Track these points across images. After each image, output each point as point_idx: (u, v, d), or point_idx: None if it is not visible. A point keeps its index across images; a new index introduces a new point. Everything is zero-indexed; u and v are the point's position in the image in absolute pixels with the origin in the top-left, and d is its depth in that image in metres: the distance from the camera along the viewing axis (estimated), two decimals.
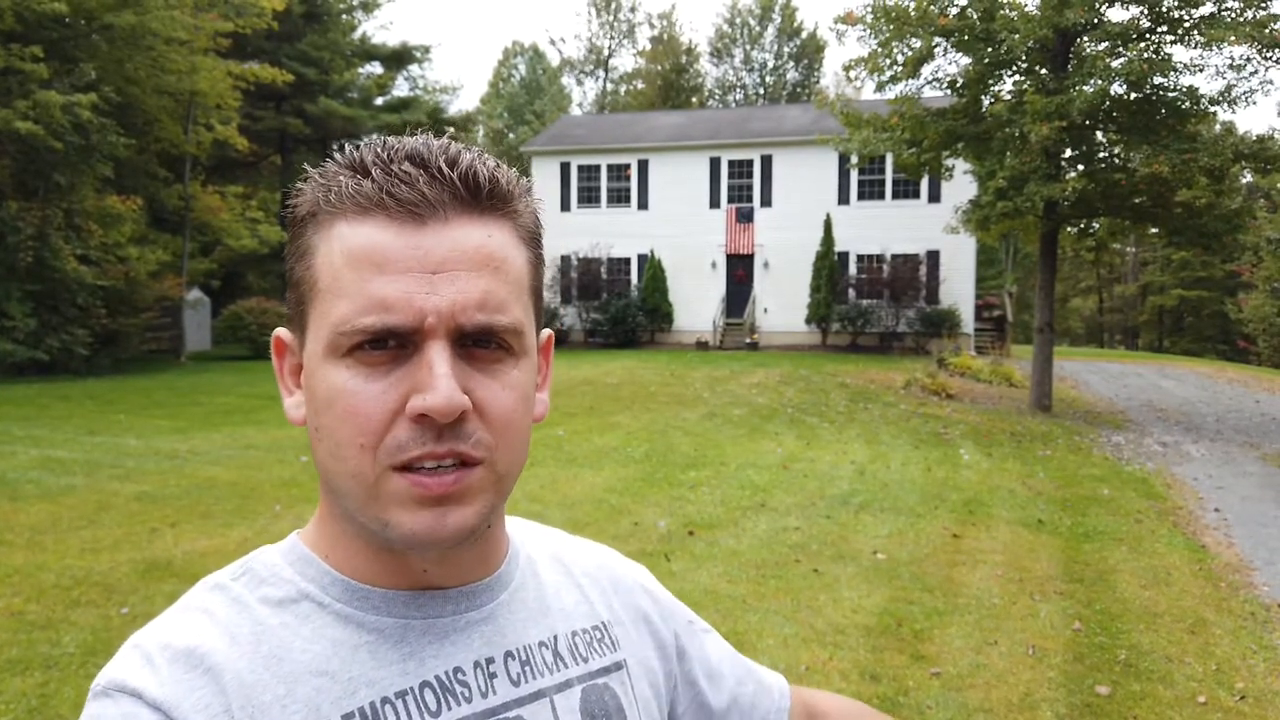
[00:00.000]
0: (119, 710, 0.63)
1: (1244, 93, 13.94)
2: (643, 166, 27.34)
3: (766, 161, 26.46)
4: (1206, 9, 13.84)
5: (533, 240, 0.73)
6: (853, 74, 16.15)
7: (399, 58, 39.17)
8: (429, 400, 0.63)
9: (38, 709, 3.95)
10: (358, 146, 0.70)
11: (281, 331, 0.75)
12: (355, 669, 0.68)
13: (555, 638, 0.79)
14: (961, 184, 20.44)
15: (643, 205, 27.35)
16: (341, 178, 0.68)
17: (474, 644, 0.73)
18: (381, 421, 0.65)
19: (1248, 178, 21.27)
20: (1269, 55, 13.42)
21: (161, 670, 0.64)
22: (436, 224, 0.66)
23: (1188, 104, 14.12)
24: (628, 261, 27.36)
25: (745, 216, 26.57)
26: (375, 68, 38.91)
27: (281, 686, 0.66)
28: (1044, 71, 14.91)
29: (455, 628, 0.73)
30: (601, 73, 56.50)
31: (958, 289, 25.09)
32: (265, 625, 0.69)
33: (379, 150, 0.68)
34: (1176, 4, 13.96)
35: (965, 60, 15.31)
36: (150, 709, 0.63)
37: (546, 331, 0.79)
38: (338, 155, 0.70)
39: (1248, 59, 13.69)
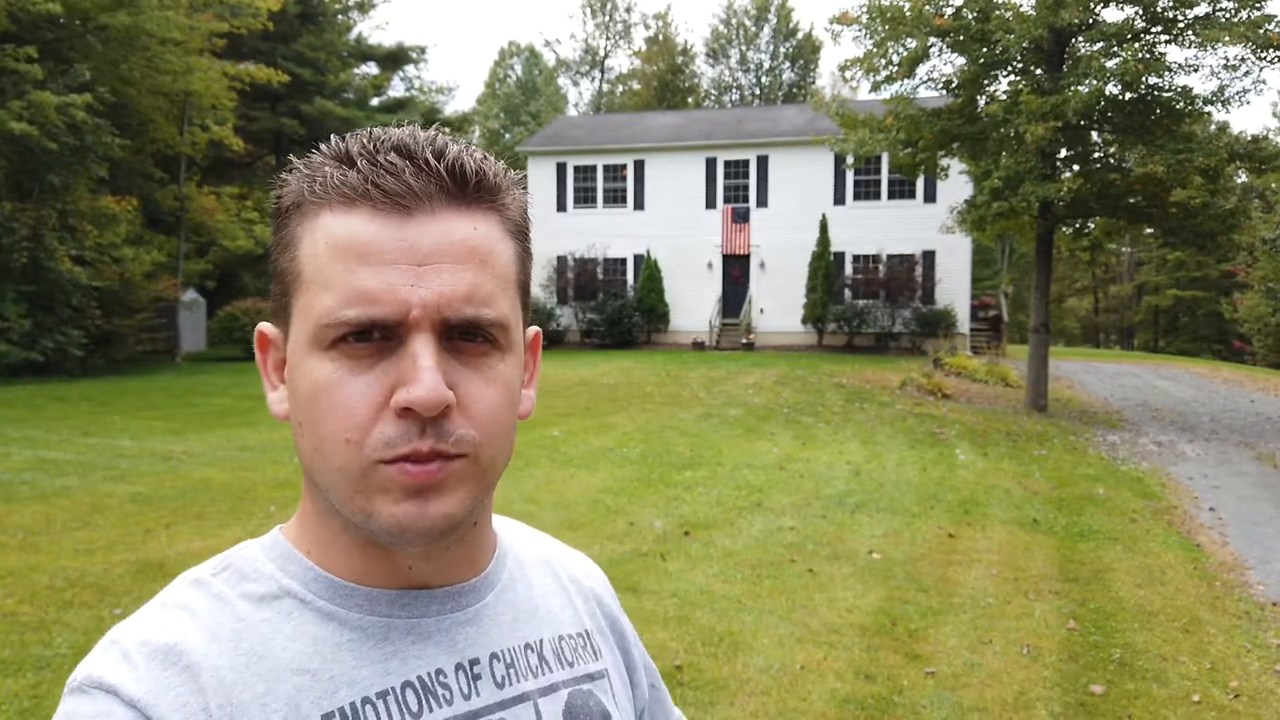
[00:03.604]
0: (95, 707, 0.62)
1: (1238, 92, 13.99)
2: (639, 167, 27.34)
3: (762, 162, 26.48)
4: (1201, 9, 13.89)
5: (520, 233, 0.72)
6: (848, 74, 16.19)
7: (395, 58, 39.15)
8: (413, 394, 0.63)
9: (30, 710, 3.93)
10: (344, 138, 0.69)
11: (265, 326, 0.74)
12: (337, 668, 0.68)
13: (541, 641, 0.79)
14: (957, 184, 20.46)
15: (639, 206, 27.35)
16: (327, 168, 0.67)
17: (458, 645, 0.73)
18: (367, 416, 0.64)
19: (1242, 178, 21.33)
20: (1263, 55, 13.45)
21: (139, 667, 0.63)
22: (422, 216, 0.65)
23: (1182, 104, 14.15)
24: (624, 262, 27.36)
25: (741, 217, 26.59)
26: (371, 68, 38.90)
27: (261, 685, 0.65)
28: (1039, 72, 14.93)
29: (439, 628, 0.72)
30: (597, 73, 56.52)
31: (953, 289, 25.12)
32: (246, 622, 0.68)
33: (365, 141, 0.67)
34: (1171, 4, 14.00)
35: (960, 60, 15.35)
36: (126, 706, 0.62)
37: (534, 329, 0.79)
38: (324, 146, 0.69)
39: (1242, 59, 13.73)
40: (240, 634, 0.67)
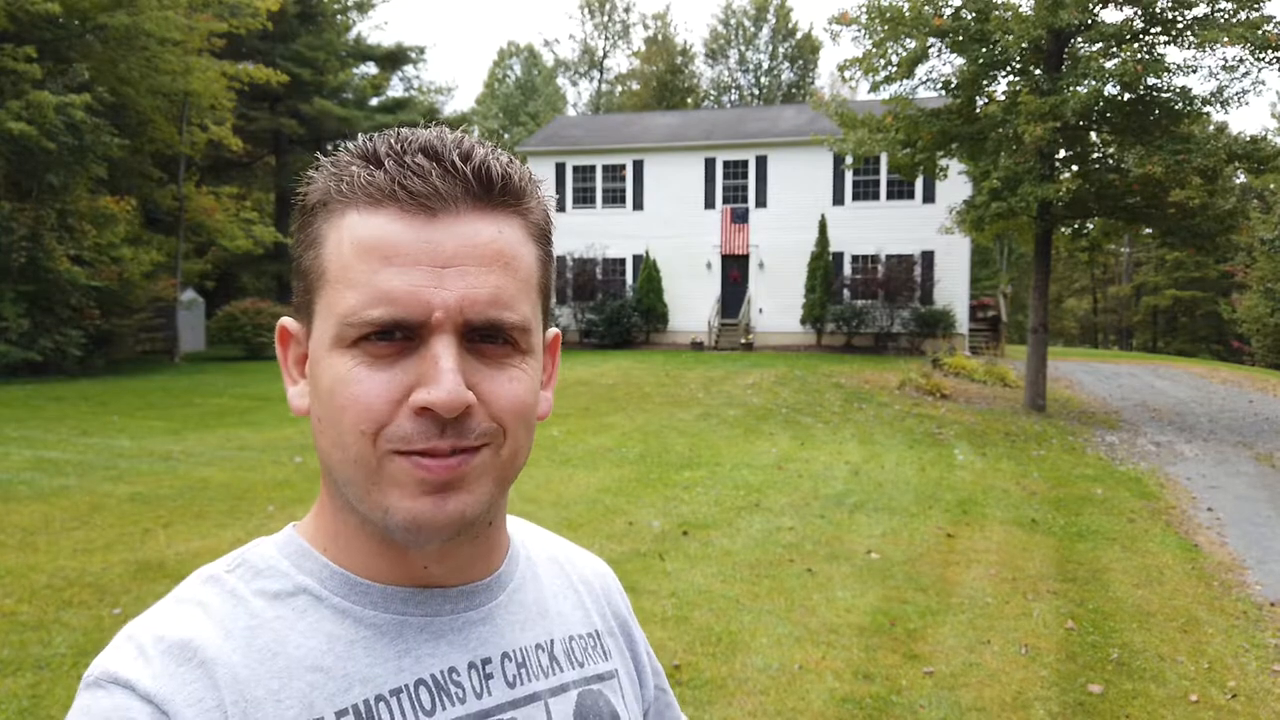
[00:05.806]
0: (111, 702, 0.62)
1: (1236, 93, 14.00)
2: (638, 167, 27.34)
3: (761, 162, 26.48)
4: (1200, 10, 13.91)
5: (542, 237, 0.73)
6: (847, 74, 16.19)
7: (394, 58, 39.15)
8: (433, 395, 0.63)
9: (29, 710, 3.94)
10: (371, 137, 0.69)
11: (287, 321, 0.74)
12: (350, 665, 0.68)
13: (552, 641, 0.79)
14: (956, 184, 20.48)
15: (638, 206, 27.36)
16: (354, 168, 0.67)
17: (470, 644, 0.73)
18: (383, 410, 0.64)
19: (1241, 178, 21.34)
20: (1261, 56, 13.47)
21: (155, 663, 0.64)
22: (448, 218, 0.66)
23: (1181, 105, 14.17)
24: (623, 262, 27.36)
25: (740, 217, 26.59)
26: (370, 68, 38.89)
27: (275, 681, 0.65)
28: (1038, 72, 14.94)
29: (453, 627, 0.73)
30: (596, 74, 56.52)
31: (952, 289, 25.13)
32: (261, 619, 0.68)
33: (392, 141, 0.68)
34: (1170, 5, 14.02)
35: (959, 61, 15.35)
36: (142, 701, 0.62)
37: (554, 330, 0.79)
38: (350, 144, 0.70)
39: (1240, 60, 13.74)
40: (254, 630, 0.67)
